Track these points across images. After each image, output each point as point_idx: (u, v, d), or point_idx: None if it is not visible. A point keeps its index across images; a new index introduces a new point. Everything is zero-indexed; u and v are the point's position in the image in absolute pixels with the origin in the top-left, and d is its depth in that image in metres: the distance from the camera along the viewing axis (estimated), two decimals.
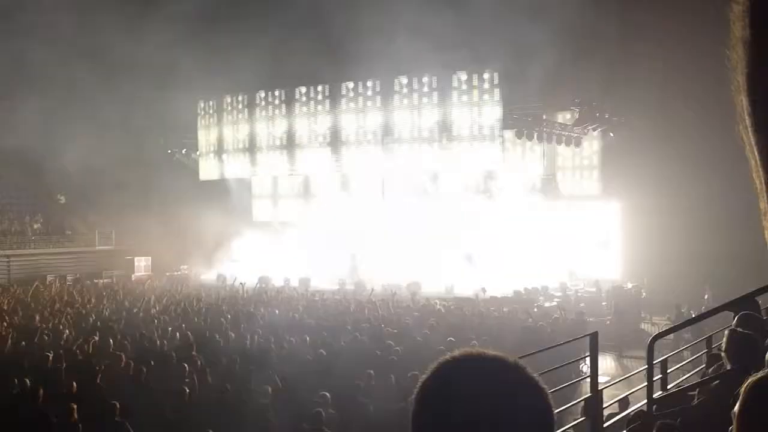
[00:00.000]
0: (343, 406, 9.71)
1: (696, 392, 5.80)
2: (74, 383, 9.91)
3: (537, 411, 1.38)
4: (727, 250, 22.66)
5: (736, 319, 5.59)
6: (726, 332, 5.03)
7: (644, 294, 24.74)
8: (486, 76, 28.75)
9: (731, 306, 6.24)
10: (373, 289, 21.47)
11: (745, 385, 1.61)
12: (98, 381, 10.37)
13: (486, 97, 28.77)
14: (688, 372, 8.34)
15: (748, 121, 1.70)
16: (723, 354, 5.01)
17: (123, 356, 11.74)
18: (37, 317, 17.18)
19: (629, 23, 26.26)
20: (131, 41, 28.19)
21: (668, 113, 25.01)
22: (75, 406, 8.64)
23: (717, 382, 5.16)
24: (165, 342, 14.01)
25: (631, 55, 26.11)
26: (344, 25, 27.54)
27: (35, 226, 33.34)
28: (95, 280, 27.65)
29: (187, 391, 9.77)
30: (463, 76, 28.94)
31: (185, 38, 27.13)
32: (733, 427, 1.63)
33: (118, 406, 8.71)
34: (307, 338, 14.14)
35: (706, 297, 21.49)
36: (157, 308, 19.18)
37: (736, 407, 1.61)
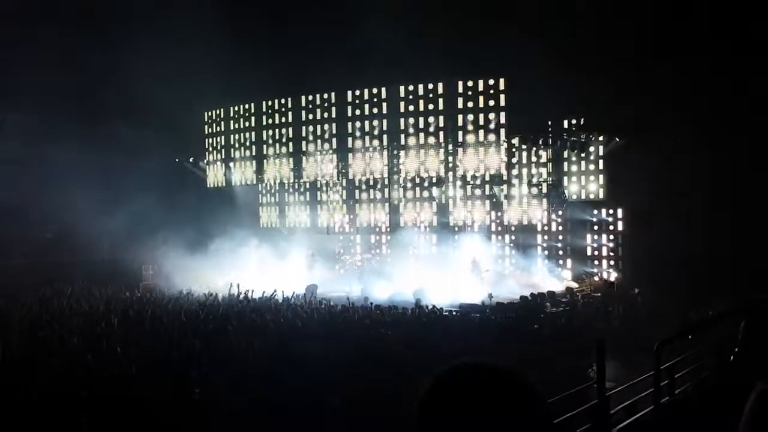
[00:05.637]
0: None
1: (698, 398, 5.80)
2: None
3: (535, 420, 1.38)
4: (735, 255, 22.59)
5: (743, 324, 5.59)
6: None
7: (650, 299, 24.61)
8: (492, 82, 28.83)
9: (738, 311, 6.24)
10: (373, 304, 21.17)
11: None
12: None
13: (492, 103, 28.83)
14: (695, 377, 8.32)
15: None
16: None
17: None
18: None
19: (639, 31, 26.23)
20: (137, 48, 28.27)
21: (675, 119, 24.88)
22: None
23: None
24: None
25: (640, 61, 26.02)
26: (349, 33, 27.58)
27: (47, 236, 33.38)
28: (103, 289, 27.47)
29: None
30: (470, 83, 29.02)
31: (193, 47, 27.22)
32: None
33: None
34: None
35: (712, 302, 21.36)
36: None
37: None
